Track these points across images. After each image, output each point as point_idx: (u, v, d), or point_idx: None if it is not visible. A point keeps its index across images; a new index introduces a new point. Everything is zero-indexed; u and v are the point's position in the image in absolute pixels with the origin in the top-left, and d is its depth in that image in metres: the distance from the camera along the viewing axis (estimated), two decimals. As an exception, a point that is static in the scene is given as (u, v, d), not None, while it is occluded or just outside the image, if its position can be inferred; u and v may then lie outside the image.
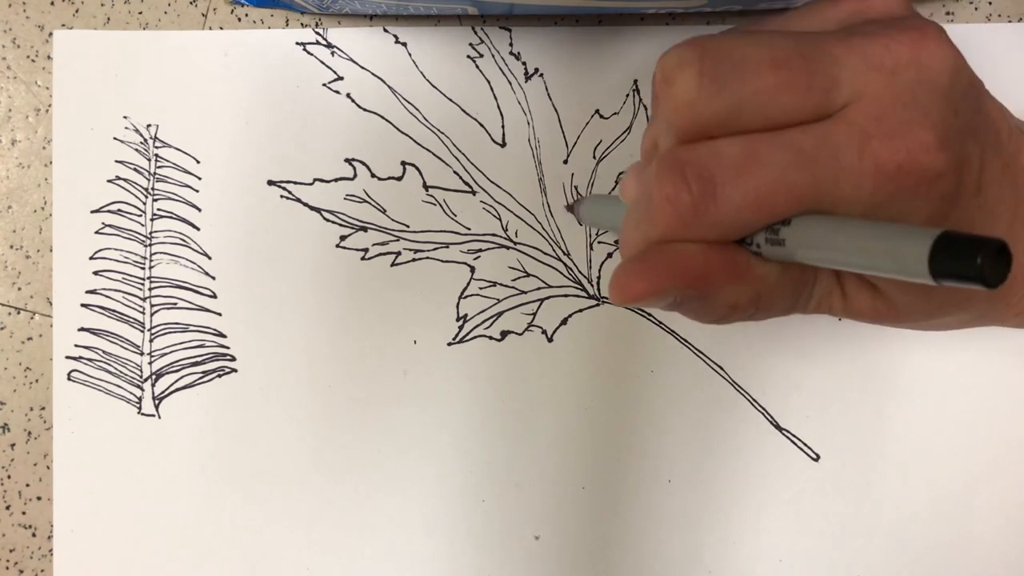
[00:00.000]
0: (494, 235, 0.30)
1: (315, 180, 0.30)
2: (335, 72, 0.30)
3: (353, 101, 0.30)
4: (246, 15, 0.31)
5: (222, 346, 0.31)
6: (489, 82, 0.30)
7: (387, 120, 0.30)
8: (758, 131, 0.18)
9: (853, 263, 0.17)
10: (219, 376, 0.31)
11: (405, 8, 0.28)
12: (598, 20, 0.30)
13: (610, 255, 0.30)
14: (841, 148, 0.18)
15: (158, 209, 0.31)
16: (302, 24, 0.30)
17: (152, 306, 0.31)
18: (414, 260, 0.30)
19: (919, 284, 0.20)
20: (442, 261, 0.30)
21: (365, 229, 0.30)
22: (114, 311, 0.31)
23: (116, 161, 0.31)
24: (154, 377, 0.31)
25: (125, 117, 0.31)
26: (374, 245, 0.30)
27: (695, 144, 0.19)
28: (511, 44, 0.30)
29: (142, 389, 0.31)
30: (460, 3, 0.27)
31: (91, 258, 0.31)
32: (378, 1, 0.27)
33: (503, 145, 0.30)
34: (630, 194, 0.23)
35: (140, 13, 0.31)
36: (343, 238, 0.30)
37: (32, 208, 0.31)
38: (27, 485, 0.32)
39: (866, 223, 0.17)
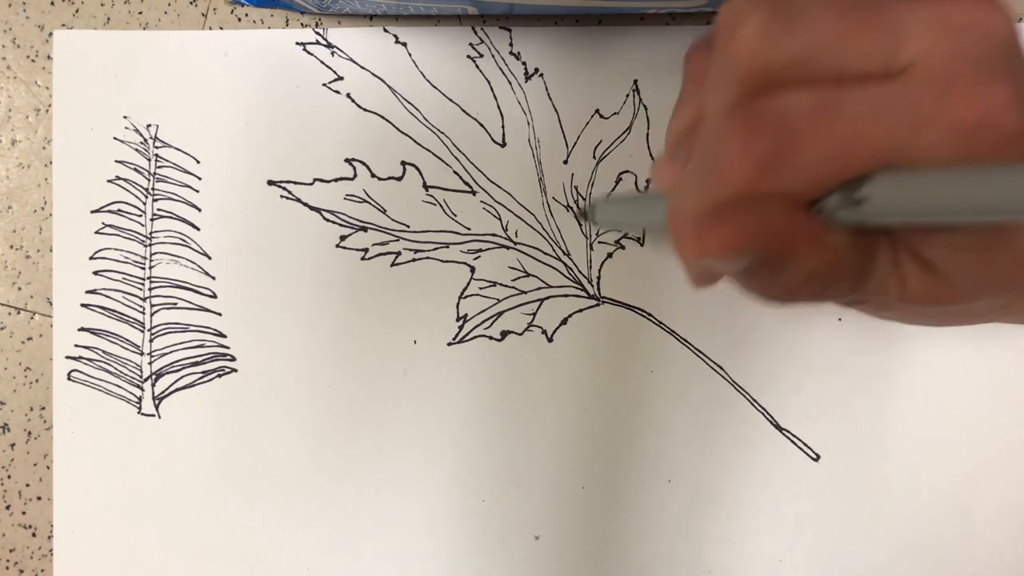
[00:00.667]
0: (494, 235, 0.30)
1: (315, 180, 0.30)
2: (335, 72, 0.30)
3: (353, 101, 0.30)
4: (246, 15, 0.31)
5: (222, 346, 0.31)
6: (489, 82, 0.30)
7: (387, 120, 0.30)
8: (828, 81, 0.18)
9: (944, 210, 0.17)
10: (219, 376, 0.31)
11: (405, 8, 0.28)
12: (598, 20, 0.30)
13: (610, 255, 0.30)
14: (920, 101, 0.17)
15: (158, 209, 0.31)
16: (302, 24, 0.30)
17: (152, 306, 0.31)
18: (414, 260, 0.30)
19: (982, 255, 0.19)
20: (442, 261, 0.30)
21: (365, 229, 0.30)
22: (114, 311, 0.31)
23: (116, 161, 0.31)
24: (154, 377, 0.31)
25: (125, 117, 0.31)
26: (374, 245, 0.30)
27: (766, 96, 0.18)
28: (511, 44, 0.30)
29: (142, 389, 0.31)
30: (460, 3, 0.27)
31: (91, 258, 0.31)
32: (378, 1, 0.27)
33: (503, 145, 0.30)
34: (666, 178, 0.22)
35: (140, 13, 0.31)
36: (343, 238, 0.30)
37: (32, 208, 0.31)
38: (27, 485, 0.32)
39: (951, 169, 0.17)
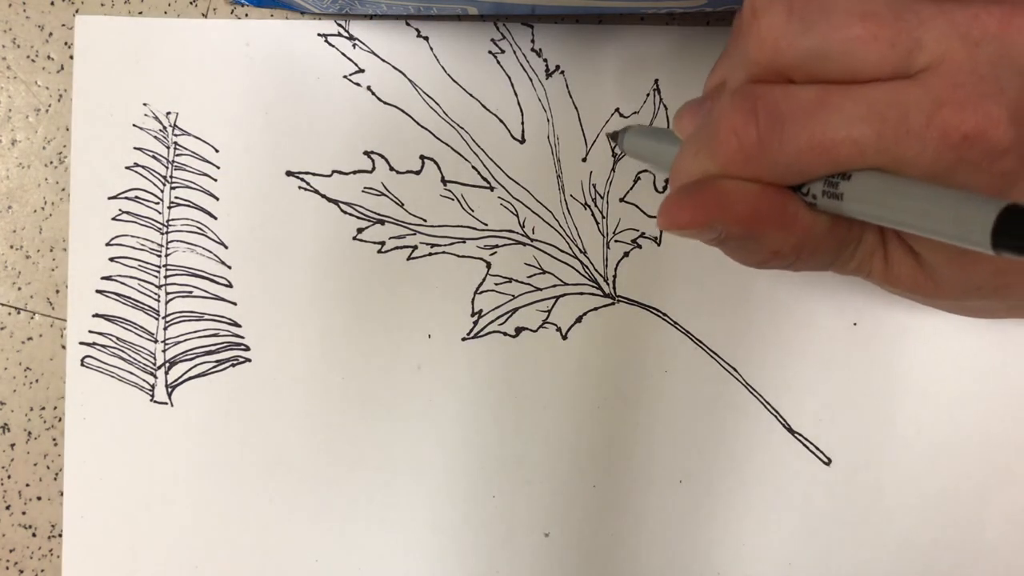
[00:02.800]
0: (511, 231, 0.30)
1: (333, 172, 0.30)
2: (356, 64, 0.30)
3: (373, 94, 0.30)
4: (246, 15, 0.30)
5: (236, 335, 0.31)
6: (510, 78, 0.30)
7: (407, 114, 0.30)
8: (834, 81, 0.19)
9: (910, 223, 0.17)
10: (232, 366, 0.31)
11: (405, 8, 0.28)
12: (598, 20, 0.30)
13: (627, 254, 0.30)
14: (911, 110, 0.18)
15: (176, 197, 0.31)
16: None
17: (167, 294, 0.31)
18: (430, 254, 0.30)
19: (963, 260, 0.20)
20: (458, 256, 0.30)
21: (382, 222, 0.30)
22: (129, 298, 0.31)
23: (135, 148, 0.31)
24: (167, 365, 0.31)
25: (145, 104, 0.31)
26: (391, 238, 0.30)
27: (770, 83, 0.19)
28: (533, 41, 0.30)
29: (155, 377, 0.31)
30: (460, 3, 0.27)
31: (107, 244, 0.31)
32: (378, 2, 0.27)
33: (522, 141, 0.30)
34: (685, 127, 0.23)
35: (140, 13, 0.31)
36: (360, 231, 0.30)
37: (32, 208, 0.31)
38: (27, 485, 0.32)
39: (929, 185, 0.17)
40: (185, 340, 0.31)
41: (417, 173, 0.30)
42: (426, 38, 0.30)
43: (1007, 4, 0.18)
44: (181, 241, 0.31)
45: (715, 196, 0.20)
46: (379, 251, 0.30)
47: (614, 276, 0.30)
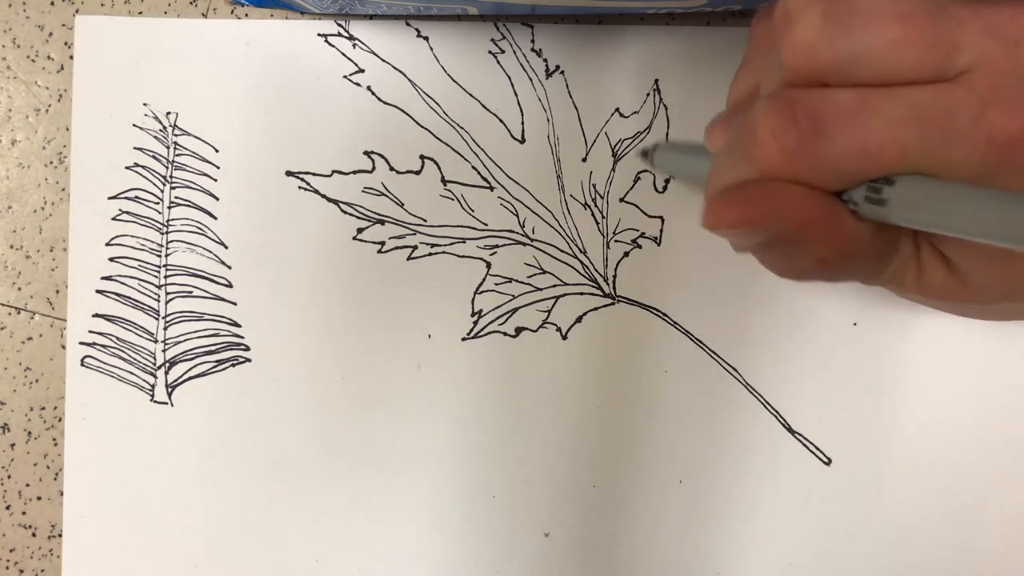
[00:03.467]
0: (511, 231, 0.30)
1: (333, 172, 0.30)
2: (356, 64, 0.30)
3: (373, 94, 0.30)
4: (246, 15, 0.30)
5: (236, 335, 0.31)
6: (510, 78, 0.30)
7: (407, 114, 0.30)
8: (872, 85, 0.18)
9: (960, 228, 0.17)
10: (232, 365, 0.31)
11: (405, 8, 0.28)
12: (598, 20, 0.30)
13: (627, 254, 0.30)
14: (956, 111, 0.18)
15: (175, 197, 0.31)
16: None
17: (167, 294, 0.31)
18: (430, 254, 0.30)
19: (998, 265, 0.20)
20: (458, 256, 0.30)
21: (382, 222, 0.30)
22: (129, 298, 0.31)
23: (135, 148, 0.31)
24: (167, 365, 0.31)
25: (145, 104, 0.31)
26: (391, 238, 0.30)
27: (807, 88, 0.19)
28: (533, 41, 0.30)
29: (155, 377, 0.31)
30: (460, 3, 0.27)
31: (107, 244, 0.31)
32: (378, 2, 0.27)
33: (522, 141, 0.30)
34: (718, 140, 0.22)
35: (140, 13, 0.31)
36: (360, 231, 0.30)
37: (32, 208, 0.31)
38: (27, 485, 0.32)
39: (977, 188, 0.17)
40: (185, 340, 0.31)
41: (417, 173, 0.30)
42: (426, 38, 0.30)
43: None
44: (181, 241, 0.31)
45: (767, 195, 0.19)
46: (379, 251, 0.30)
47: (614, 276, 0.30)
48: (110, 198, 0.31)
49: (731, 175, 0.20)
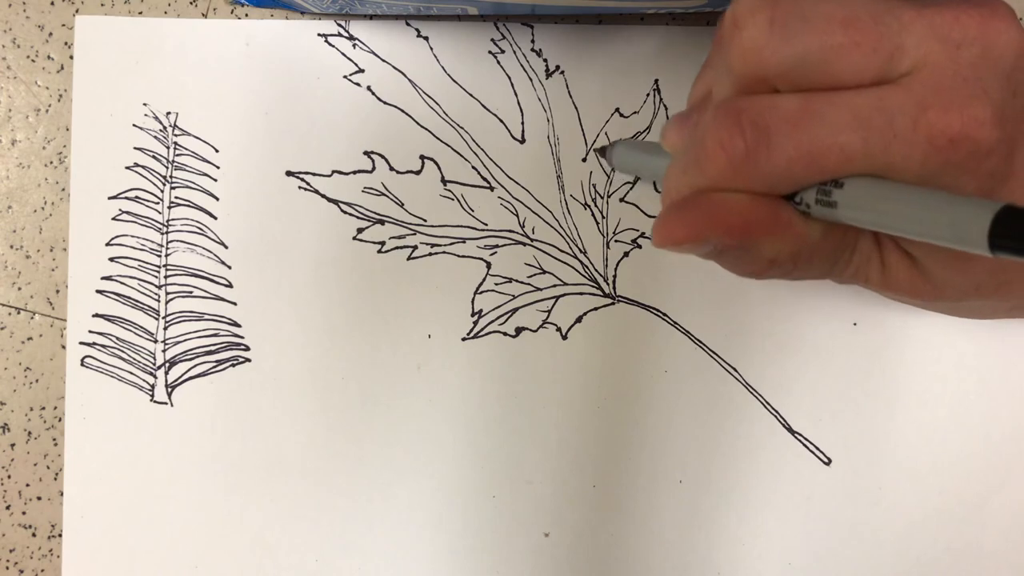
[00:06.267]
0: (511, 231, 0.30)
1: (333, 172, 0.30)
2: (356, 64, 0.30)
3: (373, 94, 0.30)
4: (246, 15, 0.30)
5: (236, 335, 0.31)
6: (510, 78, 0.30)
7: (407, 114, 0.30)
8: (818, 89, 0.19)
9: (906, 228, 0.18)
10: (232, 366, 0.31)
11: (405, 8, 0.28)
12: (598, 20, 0.30)
13: (626, 254, 0.30)
14: (896, 115, 0.18)
15: (176, 197, 0.31)
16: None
17: (167, 294, 0.31)
18: (430, 254, 0.30)
19: (961, 261, 0.20)
20: (458, 256, 0.30)
21: (382, 222, 0.30)
22: (129, 298, 0.31)
23: (135, 148, 0.31)
24: (167, 365, 0.31)
25: (145, 104, 0.31)
26: (391, 238, 0.30)
27: (754, 95, 0.19)
28: (533, 41, 0.30)
29: (155, 377, 0.31)
30: (460, 3, 0.27)
31: (107, 244, 0.31)
32: (378, 2, 0.27)
33: (522, 141, 0.30)
34: (673, 142, 0.23)
35: (140, 13, 0.31)
36: (360, 231, 0.30)
37: (32, 208, 0.31)
38: (27, 485, 0.32)
39: (922, 190, 0.17)
40: (185, 340, 0.31)
41: (417, 173, 0.30)
42: (426, 38, 0.30)
43: (986, 6, 0.18)
44: (181, 241, 0.31)
45: (707, 209, 0.20)
46: (379, 251, 0.30)
47: (614, 276, 0.30)
48: (110, 198, 0.31)
49: (684, 183, 0.20)
